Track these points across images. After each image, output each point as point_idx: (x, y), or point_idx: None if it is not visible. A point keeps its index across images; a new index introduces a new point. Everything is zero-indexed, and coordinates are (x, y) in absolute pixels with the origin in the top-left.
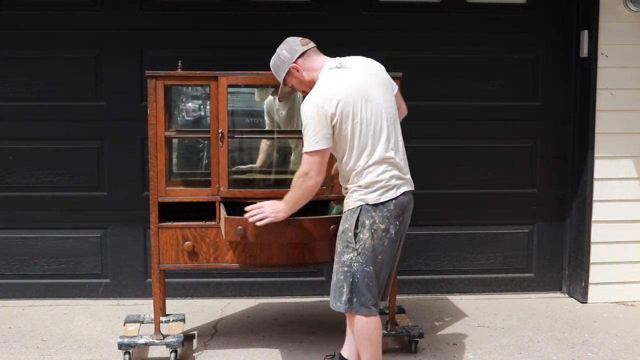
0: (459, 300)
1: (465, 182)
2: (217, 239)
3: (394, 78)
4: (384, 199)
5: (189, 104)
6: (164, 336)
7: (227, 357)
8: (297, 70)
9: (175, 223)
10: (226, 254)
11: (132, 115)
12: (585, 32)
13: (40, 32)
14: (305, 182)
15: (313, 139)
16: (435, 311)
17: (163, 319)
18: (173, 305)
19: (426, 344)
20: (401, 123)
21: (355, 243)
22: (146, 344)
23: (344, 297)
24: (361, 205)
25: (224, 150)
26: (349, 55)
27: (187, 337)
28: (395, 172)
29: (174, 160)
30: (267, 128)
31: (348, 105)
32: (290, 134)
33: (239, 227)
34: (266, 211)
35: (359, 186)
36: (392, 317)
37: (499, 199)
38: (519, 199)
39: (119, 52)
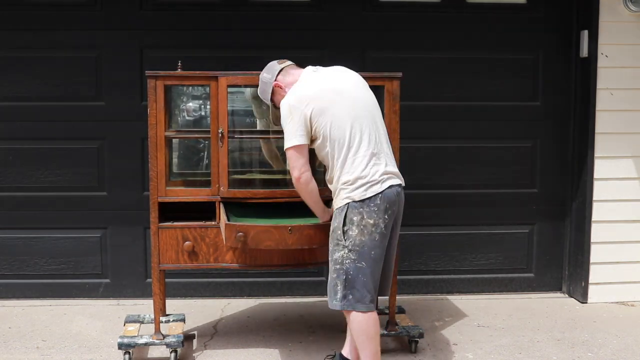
0: (459, 300)
1: (465, 182)
2: (217, 239)
3: (394, 78)
4: (369, 193)
5: (189, 104)
6: (164, 336)
7: (227, 357)
8: (280, 87)
9: (175, 223)
10: (226, 254)
11: (132, 115)
12: (585, 32)
13: (40, 32)
14: (293, 179)
15: (287, 136)
16: (435, 311)
17: (163, 319)
18: (173, 305)
19: (426, 344)
20: (401, 123)
21: (345, 240)
22: (146, 344)
23: (339, 295)
24: (348, 203)
25: (224, 150)
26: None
27: (187, 337)
28: (379, 167)
29: (174, 160)
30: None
31: (322, 101)
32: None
33: (240, 233)
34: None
35: (344, 183)
36: (392, 317)
37: (499, 199)
38: (519, 199)
39: (119, 52)
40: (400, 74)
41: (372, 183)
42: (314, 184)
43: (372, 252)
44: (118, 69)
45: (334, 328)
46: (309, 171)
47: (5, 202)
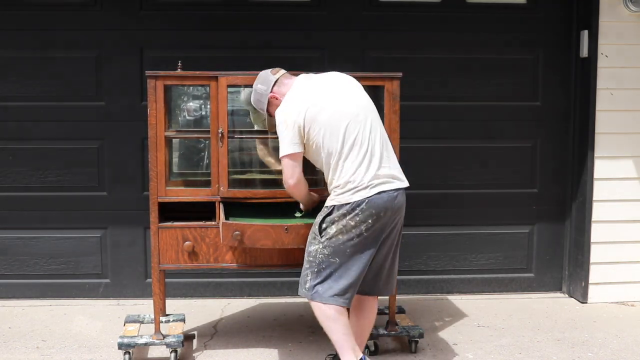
0: (459, 300)
1: (465, 182)
2: (217, 239)
3: (394, 78)
4: (355, 198)
5: (189, 104)
6: (164, 336)
7: (227, 357)
8: (276, 99)
9: (175, 223)
10: (226, 254)
11: (132, 115)
12: (585, 32)
13: (40, 32)
14: (286, 185)
15: (282, 145)
16: (435, 311)
17: (163, 319)
18: (173, 305)
19: (426, 344)
20: (401, 123)
21: (321, 236)
22: (146, 344)
23: (307, 285)
24: (334, 205)
25: (223, 150)
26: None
27: (187, 337)
28: (369, 172)
29: (174, 160)
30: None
31: (313, 110)
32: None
33: (236, 232)
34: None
35: (336, 187)
36: (392, 317)
37: (499, 199)
38: (519, 199)
39: (119, 52)
40: (400, 74)
41: (360, 188)
42: (304, 184)
43: (348, 250)
44: (118, 69)
45: None
46: (302, 177)
47: (5, 202)
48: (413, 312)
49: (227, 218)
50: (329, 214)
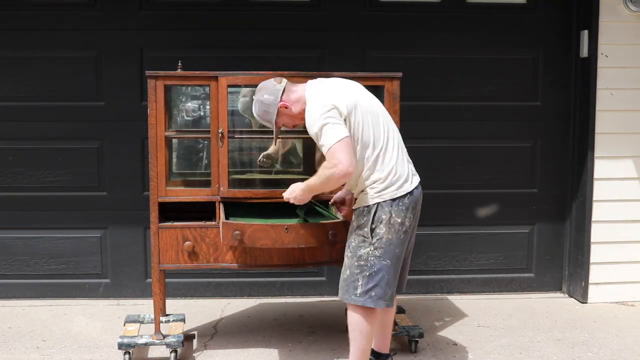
0: (459, 300)
1: (465, 182)
2: (217, 239)
3: (394, 78)
4: (400, 193)
5: (189, 104)
6: (164, 336)
7: (227, 357)
8: (286, 107)
9: (175, 223)
10: (226, 254)
11: (132, 115)
12: (585, 32)
13: (40, 32)
14: (342, 173)
15: (331, 133)
16: (435, 311)
17: (163, 319)
18: (173, 305)
19: (426, 344)
20: (401, 123)
21: (372, 238)
22: (146, 344)
23: (359, 290)
24: (378, 202)
25: (224, 150)
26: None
27: (187, 337)
28: (405, 165)
29: (174, 160)
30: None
31: (350, 102)
32: (288, 134)
33: (236, 231)
34: (285, 195)
35: (375, 182)
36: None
37: (499, 199)
38: (519, 199)
39: (119, 52)
40: (400, 74)
41: (402, 182)
42: (340, 182)
43: (397, 250)
44: (118, 69)
45: (334, 328)
46: (353, 170)
47: (5, 202)
48: (413, 312)
49: (227, 218)
50: (376, 212)
